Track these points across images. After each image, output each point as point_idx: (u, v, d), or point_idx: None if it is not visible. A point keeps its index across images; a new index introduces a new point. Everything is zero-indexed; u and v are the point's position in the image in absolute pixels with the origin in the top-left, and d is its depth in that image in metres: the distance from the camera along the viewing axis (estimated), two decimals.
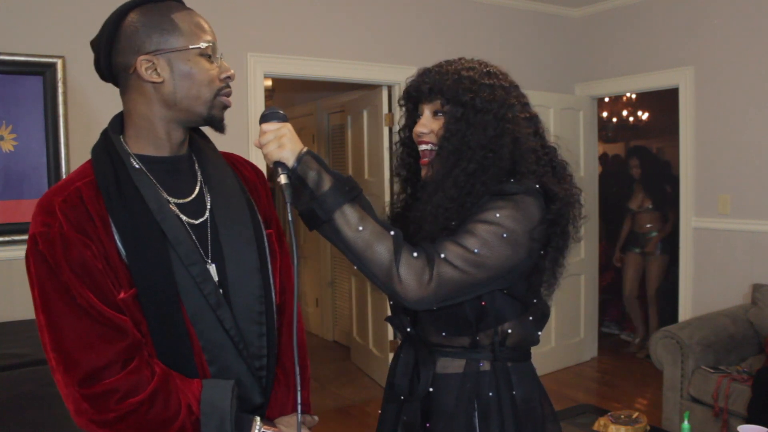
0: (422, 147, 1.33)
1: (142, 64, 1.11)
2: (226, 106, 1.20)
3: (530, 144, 1.29)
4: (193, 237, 1.16)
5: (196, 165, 1.25)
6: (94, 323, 1.04)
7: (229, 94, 1.20)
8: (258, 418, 1.15)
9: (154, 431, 1.06)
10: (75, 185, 1.10)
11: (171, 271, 1.09)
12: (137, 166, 1.13)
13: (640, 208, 4.99)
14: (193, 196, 1.20)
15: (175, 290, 1.09)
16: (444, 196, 1.24)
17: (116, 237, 1.08)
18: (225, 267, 1.18)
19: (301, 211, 1.16)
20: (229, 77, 1.18)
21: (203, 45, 1.14)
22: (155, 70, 1.11)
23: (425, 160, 1.33)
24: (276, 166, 1.16)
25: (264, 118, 1.19)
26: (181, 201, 1.18)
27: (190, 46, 1.12)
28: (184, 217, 1.16)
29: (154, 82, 1.12)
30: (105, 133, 1.17)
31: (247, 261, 1.20)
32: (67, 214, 1.05)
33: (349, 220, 1.15)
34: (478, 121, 1.25)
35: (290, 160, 1.15)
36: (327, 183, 1.14)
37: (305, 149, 1.16)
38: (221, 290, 1.16)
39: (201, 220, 1.19)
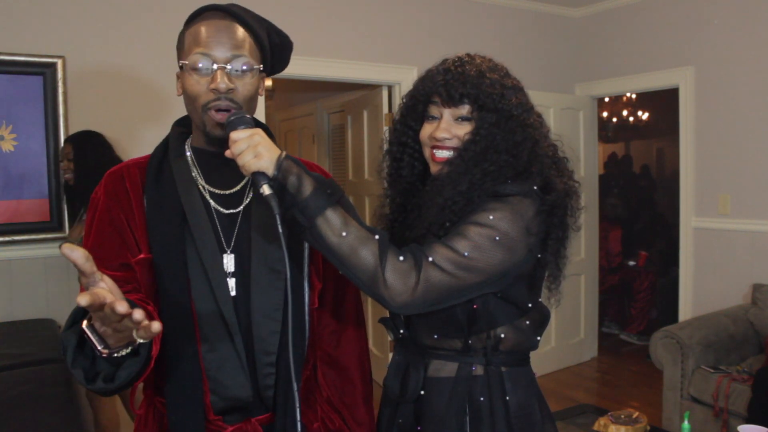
0: (441, 153, 1.28)
1: (177, 80, 1.22)
2: (217, 123, 1.14)
3: (546, 146, 1.28)
4: (218, 225, 1.20)
5: None
6: None
7: (219, 108, 1.13)
8: (85, 322, 0.94)
9: None
10: (127, 164, 1.25)
11: (182, 249, 1.16)
12: (188, 154, 1.24)
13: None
14: (235, 189, 1.24)
15: (182, 264, 1.16)
16: (455, 191, 1.22)
17: (146, 210, 1.18)
18: (250, 259, 1.20)
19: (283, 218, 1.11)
20: (216, 89, 1.12)
21: (188, 61, 1.14)
22: (180, 84, 1.20)
23: (440, 158, 1.29)
24: (255, 177, 1.09)
25: (231, 125, 1.10)
26: (219, 192, 1.23)
27: (181, 63, 1.17)
28: (215, 205, 1.21)
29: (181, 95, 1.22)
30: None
31: (271, 257, 1.20)
32: (107, 185, 1.22)
33: (333, 224, 1.10)
34: (508, 127, 1.24)
35: (270, 169, 1.08)
36: (308, 187, 1.09)
37: (283, 154, 1.10)
38: (239, 281, 1.19)
39: (232, 211, 1.22)
